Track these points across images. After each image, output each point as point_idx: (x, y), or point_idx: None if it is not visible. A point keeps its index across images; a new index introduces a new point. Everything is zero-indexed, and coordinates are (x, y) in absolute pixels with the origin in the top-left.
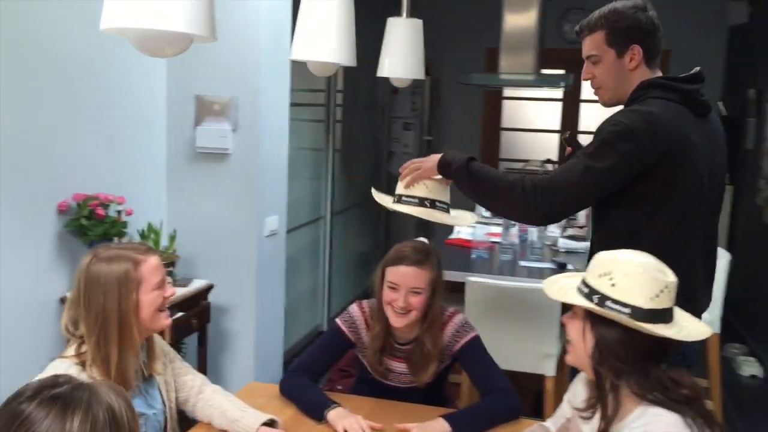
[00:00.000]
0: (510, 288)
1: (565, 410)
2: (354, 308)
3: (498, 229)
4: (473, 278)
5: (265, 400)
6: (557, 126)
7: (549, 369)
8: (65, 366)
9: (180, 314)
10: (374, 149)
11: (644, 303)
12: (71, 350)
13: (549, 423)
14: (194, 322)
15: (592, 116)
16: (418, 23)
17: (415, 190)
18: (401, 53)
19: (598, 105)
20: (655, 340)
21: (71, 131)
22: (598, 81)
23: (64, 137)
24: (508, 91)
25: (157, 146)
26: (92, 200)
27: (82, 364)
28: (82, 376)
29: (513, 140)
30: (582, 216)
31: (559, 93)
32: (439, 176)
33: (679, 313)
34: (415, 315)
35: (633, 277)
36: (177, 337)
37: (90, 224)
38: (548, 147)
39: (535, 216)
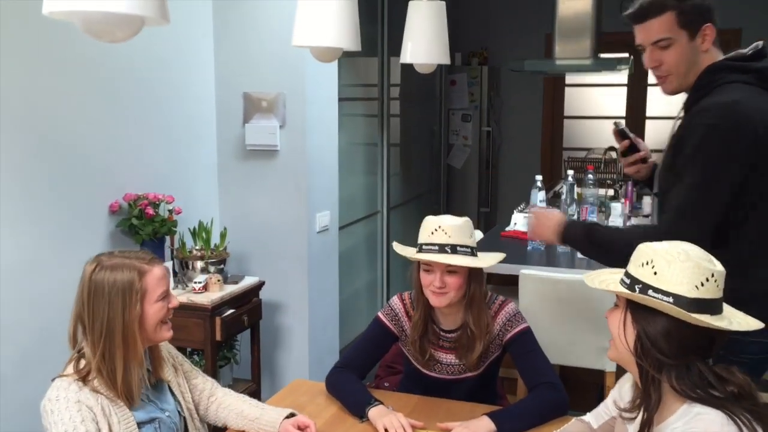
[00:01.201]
0: (566, 280)
1: (610, 408)
2: (395, 300)
3: None
4: (527, 271)
5: (308, 398)
6: (623, 112)
7: (609, 364)
8: (66, 384)
9: (231, 311)
10: (432, 142)
11: (688, 291)
12: (70, 368)
13: (589, 417)
14: (246, 320)
15: (659, 101)
16: (441, 6)
17: (435, 237)
18: (423, 38)
19: None
20: (701, 332)
21: (122, 132)
22: (666, 68)
23: (116, 138)
24: (570, 78)
25: (207, 144)
26: (142, 200)
27: (83, 380)
28: (84, 392)
29: (576, 128)
30: (647, 204)
31: (623, 78)
32: (462, 219)
33: (730, 309)
34: (455, 295)
35: (675, 264)
36: (228, 335)
37: (140, 224)
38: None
39: None
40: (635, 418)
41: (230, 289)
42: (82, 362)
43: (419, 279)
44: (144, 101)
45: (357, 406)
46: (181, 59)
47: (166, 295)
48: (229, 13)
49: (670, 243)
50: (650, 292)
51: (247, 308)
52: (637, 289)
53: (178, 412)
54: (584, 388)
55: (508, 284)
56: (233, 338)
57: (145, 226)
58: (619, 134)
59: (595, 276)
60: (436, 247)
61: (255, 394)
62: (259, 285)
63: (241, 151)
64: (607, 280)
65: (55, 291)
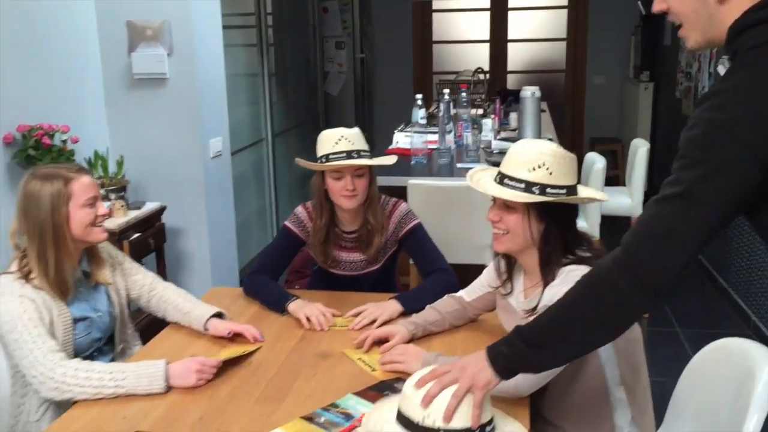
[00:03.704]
0: (448, 187)
1: (484, 284)
2: (299, 209)
3: (435, 137)
4: (414, 181)
5: (229, 301)
6: (487, 36)
7: (488, 258)
8: (9, 281)
9: (137, 235)
10: (308, 70)
11: (572, 180)
12: (14, 265)
13: (462, 293)
14: (152, 242)
15: (521, 24)
16: None
17: (340, 145)
18: None
19: (528, 14)
20: (575, 207)
21: (4, 65)
22: (674, 15)
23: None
24: (437, 3)
25: (93, 75)
26: (37, 130)
27: (25, 277)
28: (26, 288)
29: (445, 52)
30: (513, 120)
31: (486, 2)
32: (356, 128)
33: None
34: (362, 196)
35: (563, 163)
36: (136, 258)
37: (38, 154)
38: (479, 57)
39: (645, 301)
40: (510, 293)
41: (134, 214)
42: (25, 260)
43: (324, 188)
44: (25, 36)
45: (277, 302)
46: None
47: (93, 202)
48: None
49: (543, 143)
50: (548, 190)
51: (152, 232)
52: (536, 191)
53: (110, 313)
54: (469, 282)
55: (396, 196)
56: (140, 262)
57: (43, 157)
58: None
59: (472, 177)
60: (344, 154)
61: (157, 320)
62: (161, 209)
63: (129, 80)
64: (483, 179)
65: None
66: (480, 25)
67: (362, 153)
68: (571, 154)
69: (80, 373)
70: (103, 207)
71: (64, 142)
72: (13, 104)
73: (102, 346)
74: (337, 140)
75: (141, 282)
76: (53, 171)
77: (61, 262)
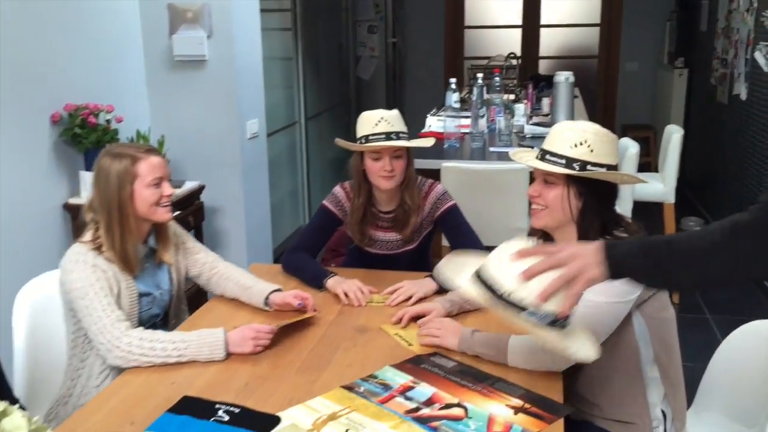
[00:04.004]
0: (482, 170)
1: None
2: (337, 189)
3: (467, 121)
4: (447, 164)
5: (269, 277)
6: (519, 21)
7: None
8: (84, 250)
9: (177, 213)
10: (340, 54)
11: (614, 160)
12: (88, 235)
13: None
14: (191, 220)
15: (554, 9)
16: None
17: (380, 127)
18: None
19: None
20: (614, 187)
21: (51, 46)
22: None
23: (46, 53)
24: None
25: (135, 57)
26: (83, 110)
27: (98, 248)
28: (98, 260)
29: (477, 37)
30: (545, 105)
31: None
32: (395, 110)
33: None
34: (400, 177)
35: (605, 142)
36: None
37: (83, 132)
38: (511, 42)
39: None
40: None
41: (174, 192)
42: (98, 233)
43: (362, 168)
44: (71, 19)
45: (315, 278)
46: None
47: (158, 182)
48: None
49: (586, 123)
50: (589, 167)
51: (191, 210)
52: (576, 167)
53: (170, 291)
54: None
55: (429, 178)
56: None
57: (88, 135)
58: None
59: (517, 154)
60: (383, 136)
61: (202, 291)
62: (200, 188)
63: (170, 62)
64: (525, 157)
65: (6, 196)
66: (512, 10)
67: (401, 135)
68: (613, 135)
69: (145, 342)
70: (169, 187)
71: (108, 121)
72: (60, 84)
73: (157, 321)
74: (377, 122)
75: (202, 260)
76: (123, 150)
77: (125, 238)
